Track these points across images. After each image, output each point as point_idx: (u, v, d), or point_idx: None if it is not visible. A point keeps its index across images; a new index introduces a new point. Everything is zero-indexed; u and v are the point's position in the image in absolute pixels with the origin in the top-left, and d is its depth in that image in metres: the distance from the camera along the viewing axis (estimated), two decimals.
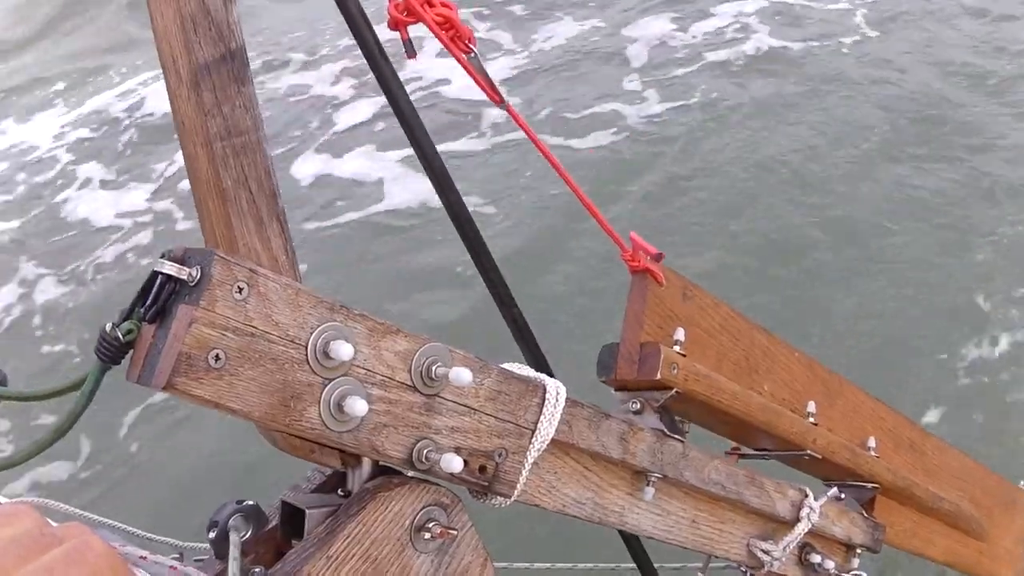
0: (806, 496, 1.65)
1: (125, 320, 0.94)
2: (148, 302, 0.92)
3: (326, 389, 0.97)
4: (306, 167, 7.54)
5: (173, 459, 4.76)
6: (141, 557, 1.05)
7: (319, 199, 7.07)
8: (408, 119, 1.25)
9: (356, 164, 7.45)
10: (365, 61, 1.24)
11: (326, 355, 0.96)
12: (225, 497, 1.13)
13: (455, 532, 1.12)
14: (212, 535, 1.09)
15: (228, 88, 1.02)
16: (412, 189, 6.74)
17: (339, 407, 0.98)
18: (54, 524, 0.75)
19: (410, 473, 1.12)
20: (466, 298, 5.38)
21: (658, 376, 1.37)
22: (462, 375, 1.04)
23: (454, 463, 1.06)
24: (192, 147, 1.03)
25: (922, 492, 1.91)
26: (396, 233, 6.44)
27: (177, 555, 1.11)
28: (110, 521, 1.36)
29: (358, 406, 0.97)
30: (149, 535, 1.30)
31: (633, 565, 1.70)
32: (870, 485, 1.83)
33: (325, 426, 0.97)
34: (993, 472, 2.32)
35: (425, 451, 1.06)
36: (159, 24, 1.03)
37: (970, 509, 2.11)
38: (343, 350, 0.96)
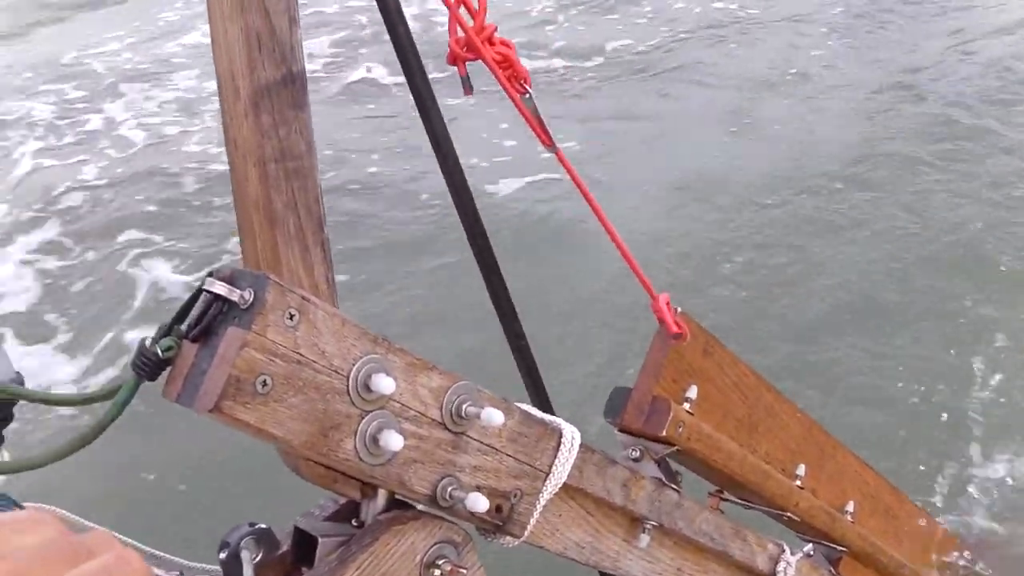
0: (783, 551, 1.68)
1: (164, 336, 0.93)
2: (193, 320, 0.91)
3: (363, 421, 0.97)
4: None
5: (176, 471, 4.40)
6: None
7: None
8: (439, 137, 1.26)
9: None
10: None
11: (367, 387, 0.96)
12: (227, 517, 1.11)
13: (464, 571, 1.11)
14: (223, 556, 1.07)
15: (286, 111, 1.01)
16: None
17: (374, 440, 0.97)
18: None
19: (420, 507, 1.11)
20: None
21: (663, 433, 1.38)
22: (494, 416, 1.04)
23: (479, 503, 1.06)
24: (244, 166, 1.02)
25: (887, 559, 1.96)
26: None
27: (177, 573, 1.10)
28: (122, 537, 1.32)
29: (393, 440, 0.97)
30: (154, 551, 1.26)
31: None
32: (840, 548, 1.88)
33: (359, 458, 0.97)
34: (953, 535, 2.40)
35: (449, 489, 1.06)
36: (221, 39, 1.02)
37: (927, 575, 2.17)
38: (384, 383, 0.95)
